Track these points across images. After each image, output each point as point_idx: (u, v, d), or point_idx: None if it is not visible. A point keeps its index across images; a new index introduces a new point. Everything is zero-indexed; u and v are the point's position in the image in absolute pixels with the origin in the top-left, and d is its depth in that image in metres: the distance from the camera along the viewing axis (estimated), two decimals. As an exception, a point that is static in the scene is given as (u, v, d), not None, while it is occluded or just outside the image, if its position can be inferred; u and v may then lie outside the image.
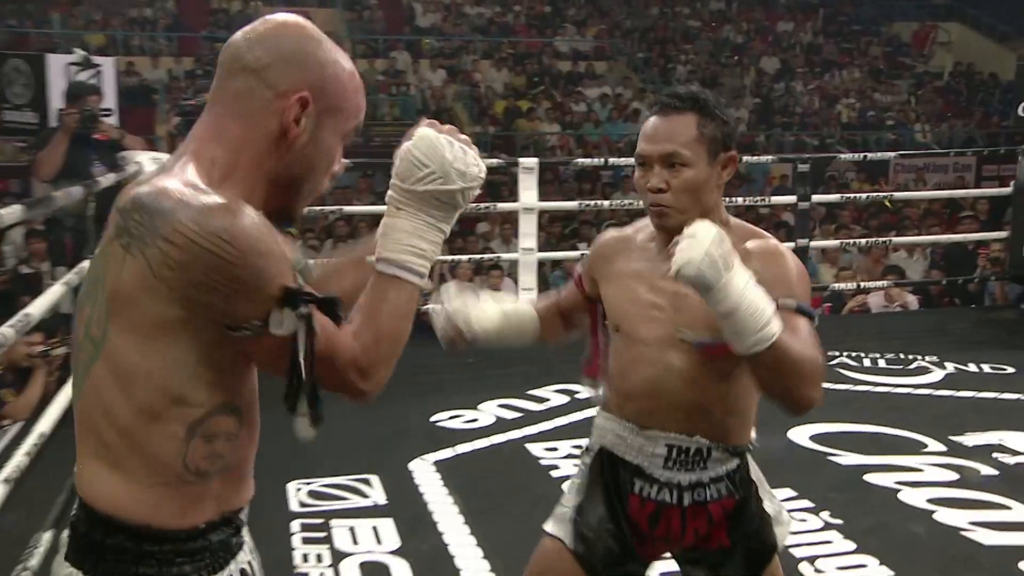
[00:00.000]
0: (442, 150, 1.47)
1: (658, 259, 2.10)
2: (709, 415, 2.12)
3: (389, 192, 1.50)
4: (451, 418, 5.18)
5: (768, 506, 2.20)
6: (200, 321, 1.37)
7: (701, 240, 1.78)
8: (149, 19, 19.71)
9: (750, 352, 1.83)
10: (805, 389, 1.90)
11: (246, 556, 1.58)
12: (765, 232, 2.17)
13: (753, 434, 2.21)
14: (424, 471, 4.46)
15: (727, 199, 9.08)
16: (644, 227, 2.24)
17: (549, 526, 2.24)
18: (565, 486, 2.31)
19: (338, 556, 3.61)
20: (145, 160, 5.94)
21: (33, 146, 7.19)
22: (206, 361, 1.40)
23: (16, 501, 3.61)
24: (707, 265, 1.77)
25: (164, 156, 6.17)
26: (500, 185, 13.00)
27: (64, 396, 4.46)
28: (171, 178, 1.39)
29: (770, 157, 11.43)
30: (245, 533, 1.59)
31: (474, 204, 8.19)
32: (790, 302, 1.95)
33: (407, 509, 4.03)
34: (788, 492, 4.12)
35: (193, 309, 1.35)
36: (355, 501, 4.13)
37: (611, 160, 11.00)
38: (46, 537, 3.57)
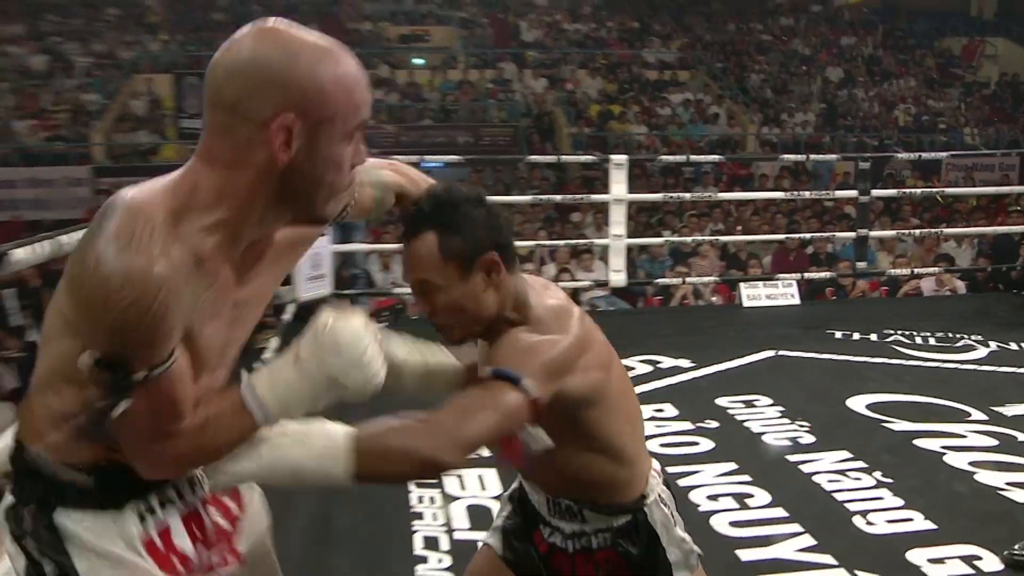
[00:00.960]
0: (362, 356, 1.35)
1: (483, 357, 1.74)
2: (555, 484, 1.82)
3: (304, 344, 1.36)
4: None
5: (671, 554, 1.83)
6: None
7: None
8: (295, 38, 19.98)
9: (347, 483, 1.44)
10: (418, 460, 1.44)
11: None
12: (541, 320, 1.68)
13: (651, 484, 1.85)
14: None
15: (795, 194, 8.97)
16: None
17: (486, 535, 2.02)
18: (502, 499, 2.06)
19: (448, 499, 3.65)
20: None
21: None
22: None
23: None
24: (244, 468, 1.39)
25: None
26: (594, 179, 12.96)
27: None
28: (142, 194, 1.26)
29: (834, 156, 11.21)
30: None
31: (570, 195, 8.18)
32: (487, 371, 1.58)
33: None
34: (845, 454, 4.07)
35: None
36: (466, 451, 4.16)
37: (692, 157, 10.92)
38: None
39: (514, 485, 2.00)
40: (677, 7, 23.10)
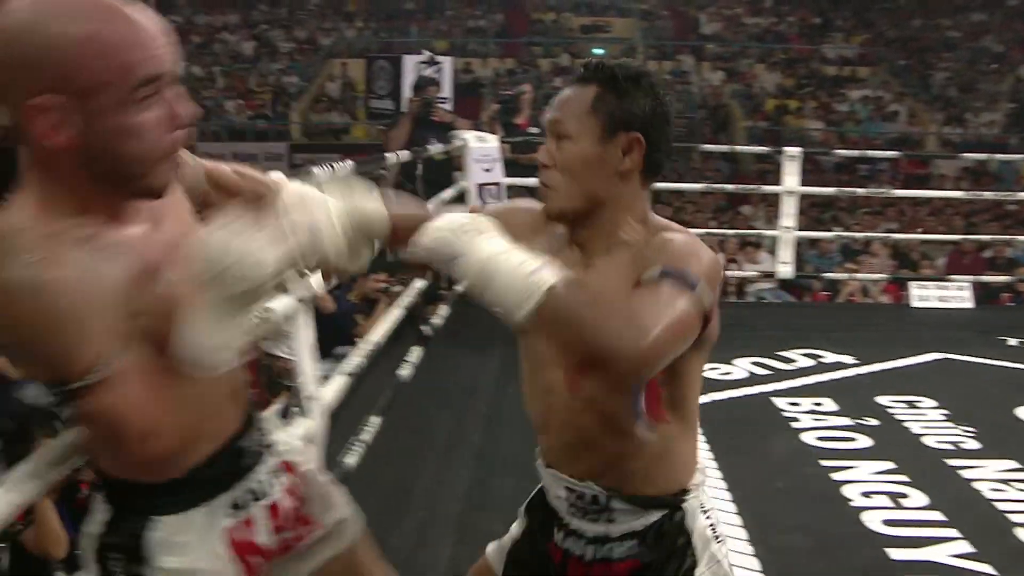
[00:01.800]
0: (248, 248, 1.14)
1: (560, 256, 1.46)
2: (595, 456, 1.52)
3: (197, 278, 1.18)
4: (709, 369, 5.10)
5: (700, 571, 1.52)
6: None
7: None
8: (482, 28, 20.34)
9: (521, 319, 1.23)
10: (602, 338, 1.21)
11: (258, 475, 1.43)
12: (686, 230, 1.49)
13: (696, 480, 1.56)
14: (682, 412, 4.42)
15: (975, 194, 8.48)
16: None
17: (488, 548, 1.77)
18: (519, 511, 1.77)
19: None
20: (470, 137, 6.18)
21: (388, 127, 7.66)
22: None
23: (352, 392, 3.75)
24: (447, 232, 1.27)
25: (486, 135, 6.41)
26: (767, 173, 12.66)
27: (391, 318, 4.63)
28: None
29: (1021, 156, 10.55)
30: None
31: (741, 184, 7.91)
32: (654, 272, 1.33)
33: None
34: (1012, 464, 3.84)
35: None
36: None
37: (867, 153, 10.48)
38: (375, 420, 3.80)
39: (534, 492, 1.72)
40: (860, 2, 22.22)
